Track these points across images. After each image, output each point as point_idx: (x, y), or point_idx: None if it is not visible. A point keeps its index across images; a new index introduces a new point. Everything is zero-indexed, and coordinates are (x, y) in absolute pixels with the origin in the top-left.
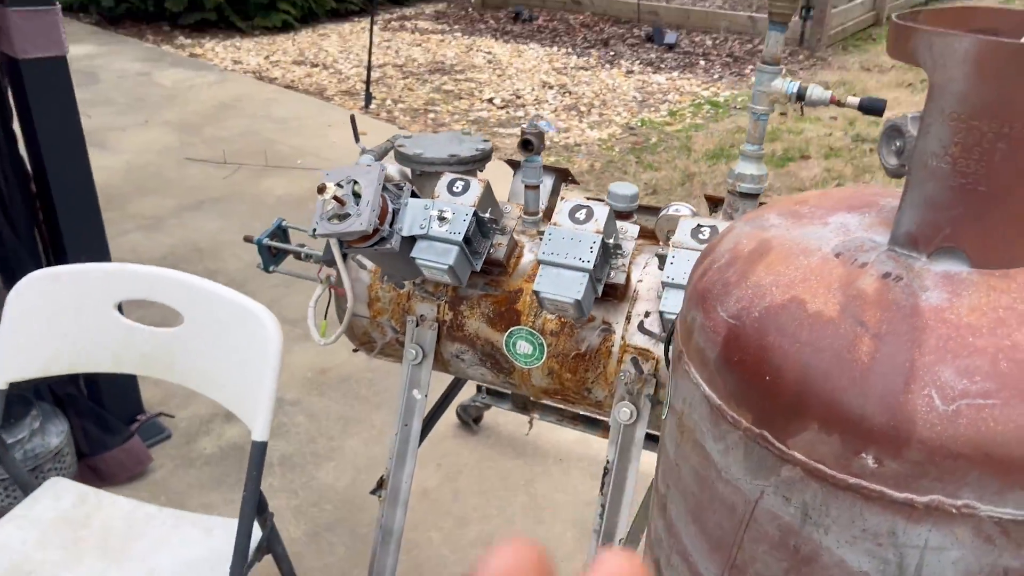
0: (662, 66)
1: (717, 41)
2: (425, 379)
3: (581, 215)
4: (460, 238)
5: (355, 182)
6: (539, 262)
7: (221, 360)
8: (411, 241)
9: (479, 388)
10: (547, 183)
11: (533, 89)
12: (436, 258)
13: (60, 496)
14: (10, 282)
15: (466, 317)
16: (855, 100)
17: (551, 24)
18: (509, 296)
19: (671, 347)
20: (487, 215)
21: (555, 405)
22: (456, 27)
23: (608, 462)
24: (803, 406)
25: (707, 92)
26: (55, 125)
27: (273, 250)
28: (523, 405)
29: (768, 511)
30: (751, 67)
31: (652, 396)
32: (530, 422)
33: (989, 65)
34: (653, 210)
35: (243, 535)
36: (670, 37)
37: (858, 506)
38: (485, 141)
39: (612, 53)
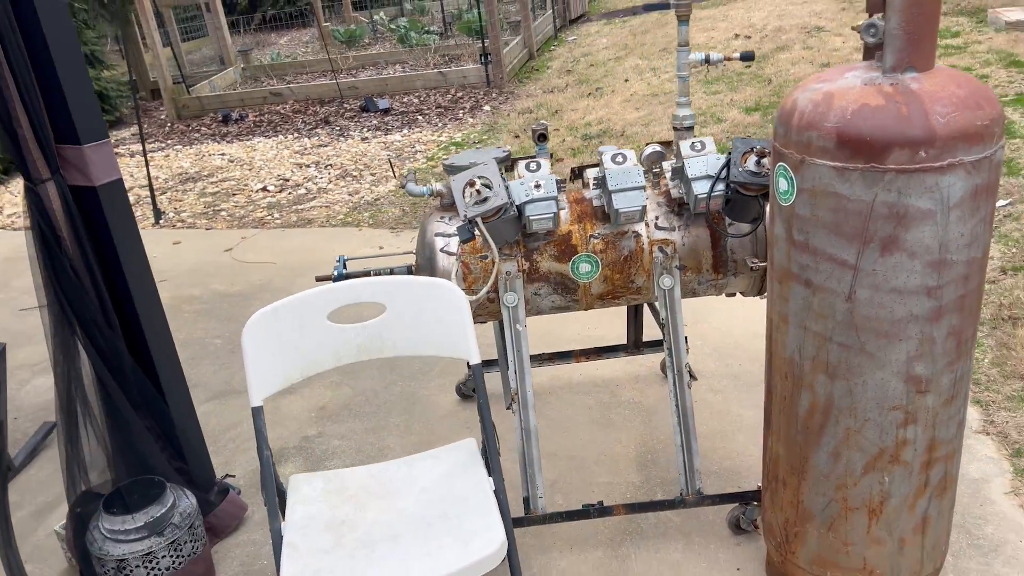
0: (390, 128)
1: (421, 98)
2: (523, 316)
3: (619, 159)
4: (555, 194)
5: (480, 177)
6: (610, 192)
7: (423, 327)
8: (518, 208)
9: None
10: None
11: (292, 172)
12: (544, 211)
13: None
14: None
15: (539, 262)
16: (737, 55)
17: (264, 118)
18: (564, 237)
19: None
20: (559, 179)
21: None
22: (170, 141)
23: (663, 318)
24: (889, 143)
25: (443, 138)
26: (127, 238)
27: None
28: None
29: (880, 202)
30: (462, 112)
31: (679, 264)
32: (513, 396)
33: None
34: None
35: (490, 441)
36: (383, 103)
37: (920, 176)
38: (502, 149)
39: (338, 128)
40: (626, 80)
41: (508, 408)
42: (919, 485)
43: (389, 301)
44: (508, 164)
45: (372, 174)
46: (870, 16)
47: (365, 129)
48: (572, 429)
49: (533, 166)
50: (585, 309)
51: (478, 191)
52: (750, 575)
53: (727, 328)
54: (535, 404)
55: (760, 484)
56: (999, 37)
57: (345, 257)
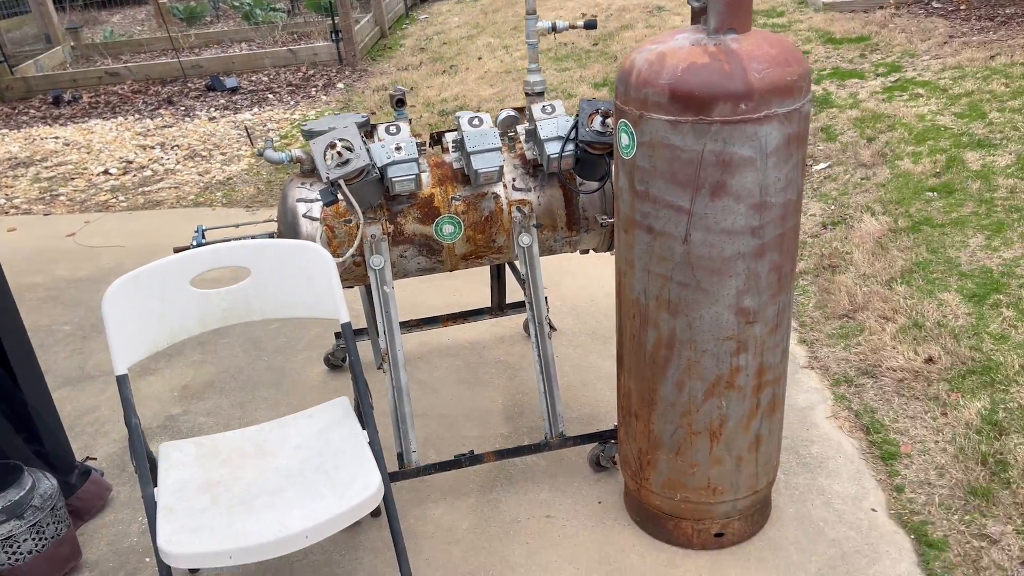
0: (239, 107)
1: (271, 76)
2: (389, 277)
3: (476, 122)
4: (415, 156)
5: (341, 140)
6: (468, 153)
7: (290, 289)
8: (380, 171)
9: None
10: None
11: (136, 154)
12: (406, 172)
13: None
14: None
15: (403, 225)
16: (581, 23)
17: (100, 99)
18: (426, 200)
19: (621, 124)
20: (419, 141)
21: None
22: None
23: (523, 274)
24: (712, 98)
25: (296, 116)
26: None
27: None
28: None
29: (709, 151)
30: (314, 90)
31: (536, 223)
32: (384, 357)
33: None
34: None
35: (363, 396)
36: (231, 82)
37: (742, 127)
38: (361, 115)
39: (183, 108)
40: (479, 58)
41: (379, 368)
42: (751, 407)
43: (254, 265)
44: (368, 129)
45: (223, 153)
46: None
47: (212, 108)
48: (442, 389)
49: (393, 129)
50: (451, 269)
51: (339, 153)
52: (611, 507)
53: (584, 288)
54: (406, 367)
55: (616, 423)
56: (817, 16)
57: (204, 227)
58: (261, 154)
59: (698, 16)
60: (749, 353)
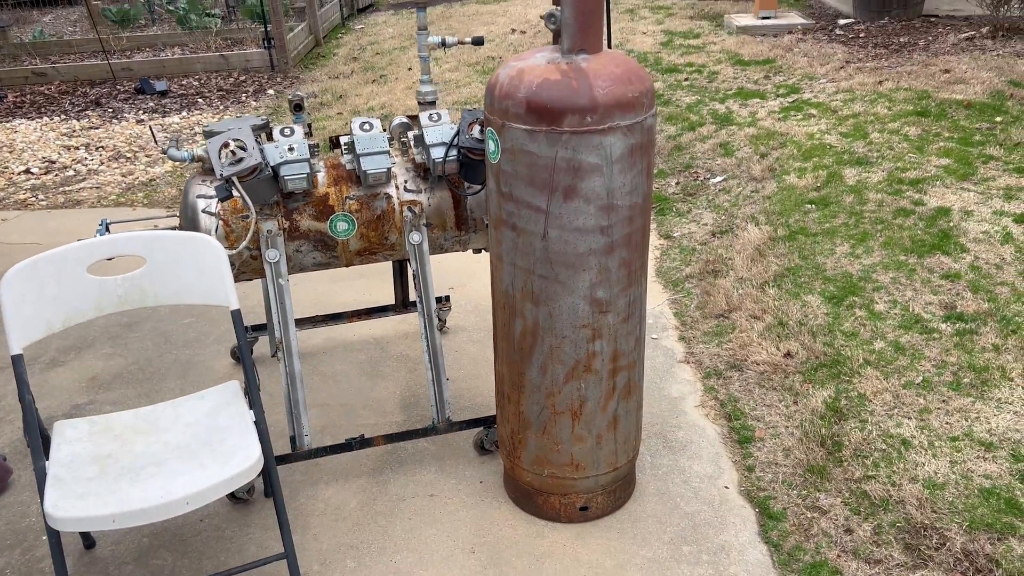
0: (168, 110)
1: (202, 81)
2: (285, 270)
3: (366, 127)
4: (307, 157)
5: (235, 139)
6: (358, 155)
7: (183, 277)
8: (273, 171)
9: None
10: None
11: (59, 154)
12: (298, 172)
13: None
14: None
15: (299, 221)
16: (469, 39)
17: (26, 99)
18: (322, 198)
19: (488, 132)
20: (312, 143)
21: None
22: None
23: (414, 270)
24: (563, 110)
25: None
26: None
27: None
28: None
29: (561, 157)
30: (245, 95)
31: (426, 222)
32: (278, 345)
33: None
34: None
35: (250, 379)
36: (160, 86)
37: (588, 137)
38: (260, 118)
39: (111, 110)
40: (409, 68)
41: (273, 356)
42: (608, 389)
43: (149, 254)
44: (269, 132)
45: (147, 156)
46: (556, 6)
47: (141, 111)
48: (343, 381)
49: (287, 131)
50: (346, 265)
51: (233, 152)
52: (491, 486)
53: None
54: (310, 361)
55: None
56: (731, 39)
57: (108, 220)
58: (165, 152)
59: (557, 36)
60: (604, 340)
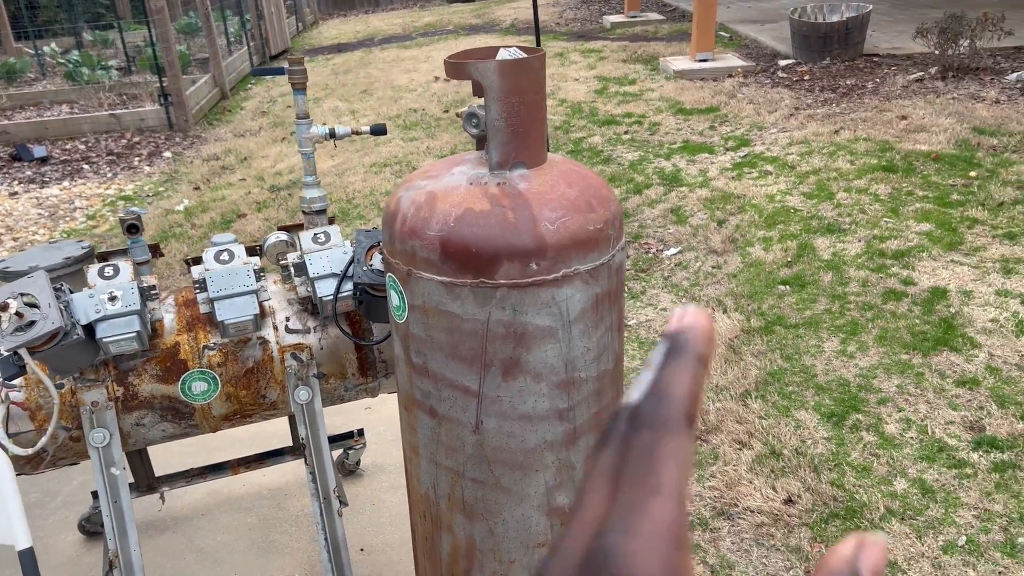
0: (48, 180)
1: (89, 144)
2: (118, 456)
3: (224, 256)
4: (137, 307)
5: (23, 294)
6: (212, 300)
7: None
8: (88, 328)
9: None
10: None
11: None
12: (122, 330)
13: None
14: None
15: (137, 385)
16: (367, 128)
17: None
18: (170, 351)
19: (393, 278)
20: (145, 284)
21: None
22: None
23: (303, 437)
24: (496, 255)
25: (111, 191)
26: None
27: None
28: (148, 486)
29: (496, 320)
30: (138, 159)
31: (317, 372)
32: (161, 497)
33: (504, 70)
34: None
35: None
36: (39, 151)
37: (534, 291)
38: (82, 244)
39: None
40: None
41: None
42: None
43: None
44: (90, 263)
45: (15, 239)
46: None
47: (15, 182)
48: (226, 561)
49: (109, 271)
50: (211, 432)
51: (18, 314)
52: None
53: None
54: (184, 530)
55: None
56: (669, 85)
57: None
58: None
59: (481, 143)
60: None
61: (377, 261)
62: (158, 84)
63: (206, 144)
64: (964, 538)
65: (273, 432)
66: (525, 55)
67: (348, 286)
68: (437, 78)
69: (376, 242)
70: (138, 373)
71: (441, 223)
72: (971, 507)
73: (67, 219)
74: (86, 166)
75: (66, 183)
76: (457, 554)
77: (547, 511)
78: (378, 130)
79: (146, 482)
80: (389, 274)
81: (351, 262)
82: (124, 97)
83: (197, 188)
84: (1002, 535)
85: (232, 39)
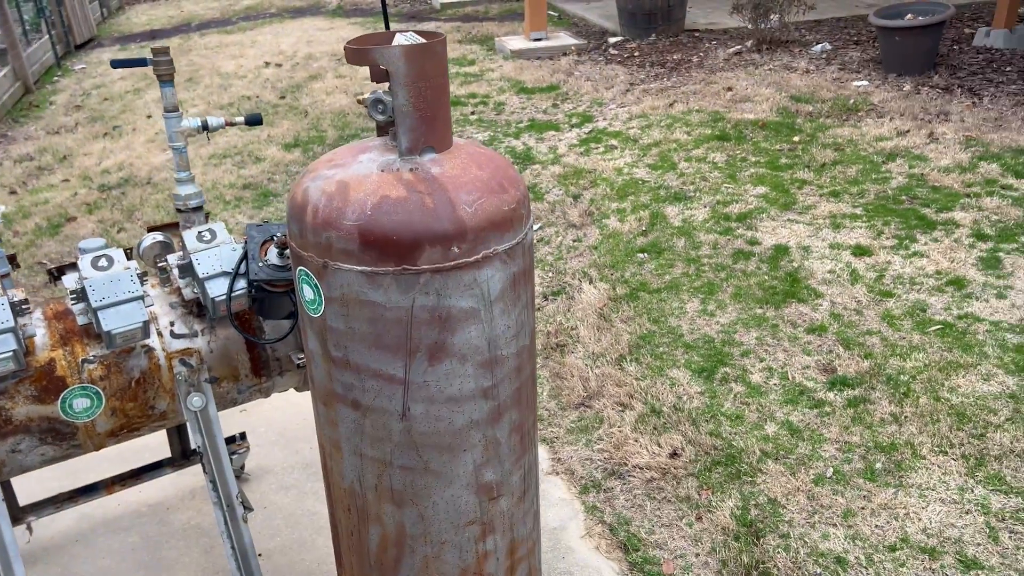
0: None
1: None
2: None
3: (103, 262)
4: (10, 324)
5: None
6: (95, 309)
7: None
8: None
9: None
10: None
11: None
12: None
13: None
14: None
15: (11, 409)
16: (241, 118)
17: None
18: (44, 370)
19: (306, 273)
20: (16, 299)
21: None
22: None
23: (199, 446)
24: (418, 241)
25: None
26: None
27: None
28: (13, 518)
29: (420, 306)
30: None
31: (209, 377)
32: (28, 528)
33: (410, 55)
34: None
35: None
36: None
37: (457, 275)
38: None
39: None
40: (149, 116)
41: None
42: None
43: None
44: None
45: None
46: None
47: None
48: None
49: None
50: (96, 450)
51: None
52: None
53: (294, 404)
54: (58, 559)
55: None
56: (508, 64)
57: None
58: None
59: (386, 128)
60: (497, 533)
61: (273, 256)
62: None
63: (15, 143)
64: (831, 470)
65: (143, 445)
66: (424, 40)
67: (241, 284)
68: (268, 63)
69: (270, 236)
70: (10, 395)
71: (357, 212)
72: (833, 441)
73: None
74: None
75: None
76: (387, 543)
77: (475, 489)
78: (253, 120)
79: (11, 513)
80: (301, 268)
81: (243, 258)
82: None
83: (13, 192)
84: (862, 463)
85: (29, 27)
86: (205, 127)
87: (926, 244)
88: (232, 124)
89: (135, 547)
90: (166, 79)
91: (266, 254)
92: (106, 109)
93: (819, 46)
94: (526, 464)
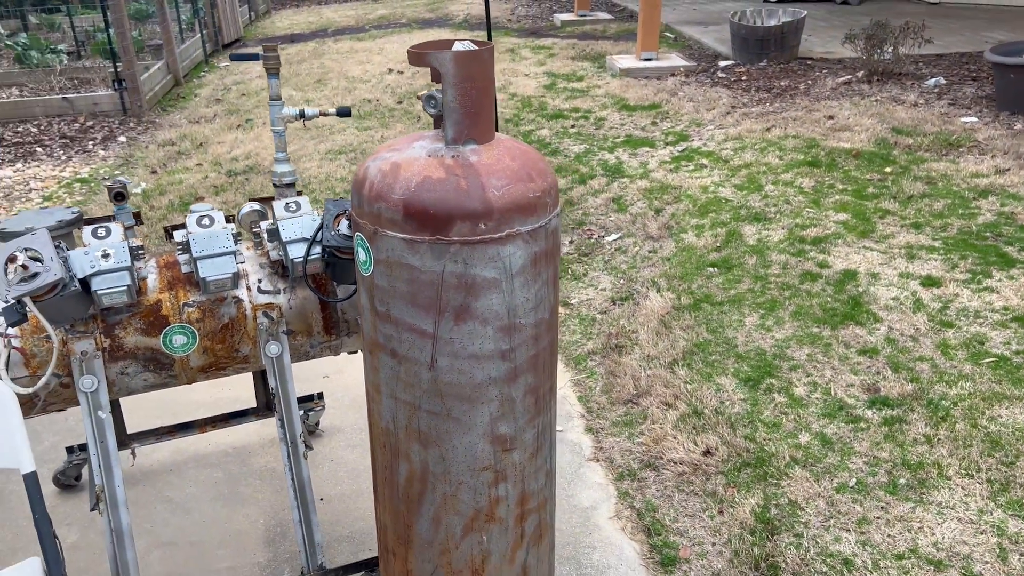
0: (0, 161)
1: (41, 127)
2: (105, 401)
3: (206, 221)
4: (128, 264)
5: (27, 249)
6: (195, 259)
7: None
8: (83, 282)
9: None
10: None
11: None
12: (115, 284)
13: None
14: None
15: (123, 337)
16: (333, 110)
17: None
18: (152, 308)
19: (358, 240)
20: (134, 244)
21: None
22: None
23: (273, 387)
24: (450, 216)
25: (67, 173)
26: None
27: None
28: (120, 442)
29: (449, 272)
30: (92, 143)
31: (286, 329)
32: (132, 453)
33: (458, 59)
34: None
35: (53, 560)
36: None
37: (483, 248)
38: (72, 210)
39: None
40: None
41: (93, 509)
42: (515, 539)
43: None
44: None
45: None
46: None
47: None
48: (195, 510)
49: (102, 232)
50: (188, 383)
51: (23, 266)
52: None
53: None
54: (154, 483)
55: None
56: (615, 82)
57: None
58: None
59: (439, 122)
60: (509, 482)
61: (344, 227)
62: (111, 69)
63: (161, 129)
64: (855, 480)
65: (235, 398)
66: (477, 47)
67: (317, 250)
68: (391, 70)
69: (343, 210)
70: (124, 326)
71: (404, 188)
72: (862, 455)
73: (22, 200)
74: (39, 148)
75: (19, 165)
76: (412, 478)
77: (491, 439)
78: (344, 112)
79: (119, 439)
80: (357, 233)
81: (320, 227)
82: (76, 81)
83: (154, 172)
84: (886, 477)
85: (184, 26)
86: (302, 116)
87: (1000, 280)
88: (326, 115)
89: (218, 482)
90: (273, 72)
91: (339, 225)
92: (242, 103)
93: (932, 80)
94: (540, 425)
